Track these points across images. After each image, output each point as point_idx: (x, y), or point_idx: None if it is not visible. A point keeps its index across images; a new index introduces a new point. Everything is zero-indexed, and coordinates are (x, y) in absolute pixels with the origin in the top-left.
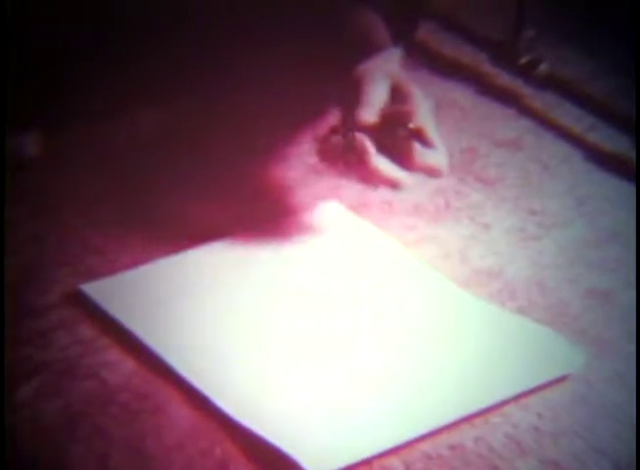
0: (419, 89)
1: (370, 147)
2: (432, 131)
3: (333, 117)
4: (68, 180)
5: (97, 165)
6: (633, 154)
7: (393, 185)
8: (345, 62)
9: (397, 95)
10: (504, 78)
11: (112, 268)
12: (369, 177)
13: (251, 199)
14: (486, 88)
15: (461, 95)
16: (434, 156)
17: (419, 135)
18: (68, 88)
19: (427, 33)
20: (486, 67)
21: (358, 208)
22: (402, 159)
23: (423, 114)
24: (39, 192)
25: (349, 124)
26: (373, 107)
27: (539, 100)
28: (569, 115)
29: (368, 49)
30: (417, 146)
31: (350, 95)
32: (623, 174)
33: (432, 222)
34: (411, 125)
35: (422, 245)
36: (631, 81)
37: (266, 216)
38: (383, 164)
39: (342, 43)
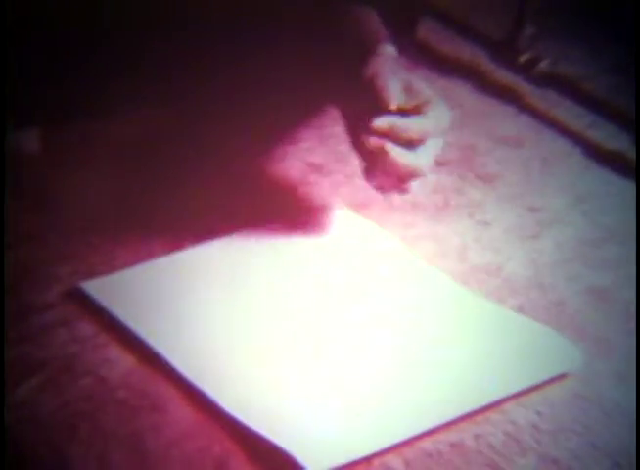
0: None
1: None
2: (418, 128)
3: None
4: (68, 178)
5: (97, 163)
6: (633, 151)
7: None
8: (345, 61)
9: (409, 94)
10: (504, 76)
11: (111, 266)
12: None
13: (251, 198)
14: (486, 86)
15: (461, 92)
16: (412, 157)
17: (388, 135)
18: (69, 86)
19: (426, 31)
20: (486, 64)
21: (358, 205)
22: (373, 163)
23: (433, 110)
24: (39, 189)
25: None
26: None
27: (539, 97)
28: (568, 112)
29: (368, 48)
30: (393, 148)
31: (367, 98)
32: (623, 172)
33: (431, 220)
34: (376, 124)
35: (421, 242)
36: (631, 79)
37: (267, 216)
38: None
39: (341, 42)
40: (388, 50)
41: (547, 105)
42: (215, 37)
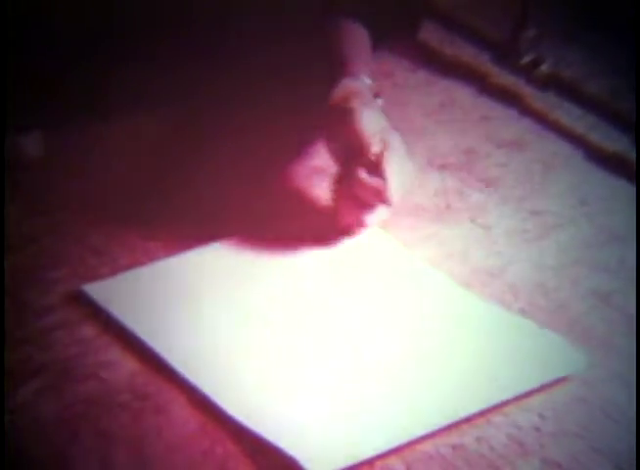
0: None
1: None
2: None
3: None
4: (68, 180)
5: (97, 166)
6: (634, 153)
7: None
8: (327, 83)
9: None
10: (505, 78)
11: (112, 269)
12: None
13: (252, 201)
14: (488, 88)
15: (462, 95)
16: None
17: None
18: (69, 88)
19: (427, 33)
20: (488, 66)
21: None
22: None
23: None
24: (39, 192)
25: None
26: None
27: (540, 100)
28: (570, 114)
29: (337, 73)
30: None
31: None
32: (624, 174)
33: (433, 223)
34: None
35: (423, 245)
36: (632, 81)
37: (267, 218)
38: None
39: (323, 65)
40: (359, 80)
41: (548, 107)
42: (214, 43)
